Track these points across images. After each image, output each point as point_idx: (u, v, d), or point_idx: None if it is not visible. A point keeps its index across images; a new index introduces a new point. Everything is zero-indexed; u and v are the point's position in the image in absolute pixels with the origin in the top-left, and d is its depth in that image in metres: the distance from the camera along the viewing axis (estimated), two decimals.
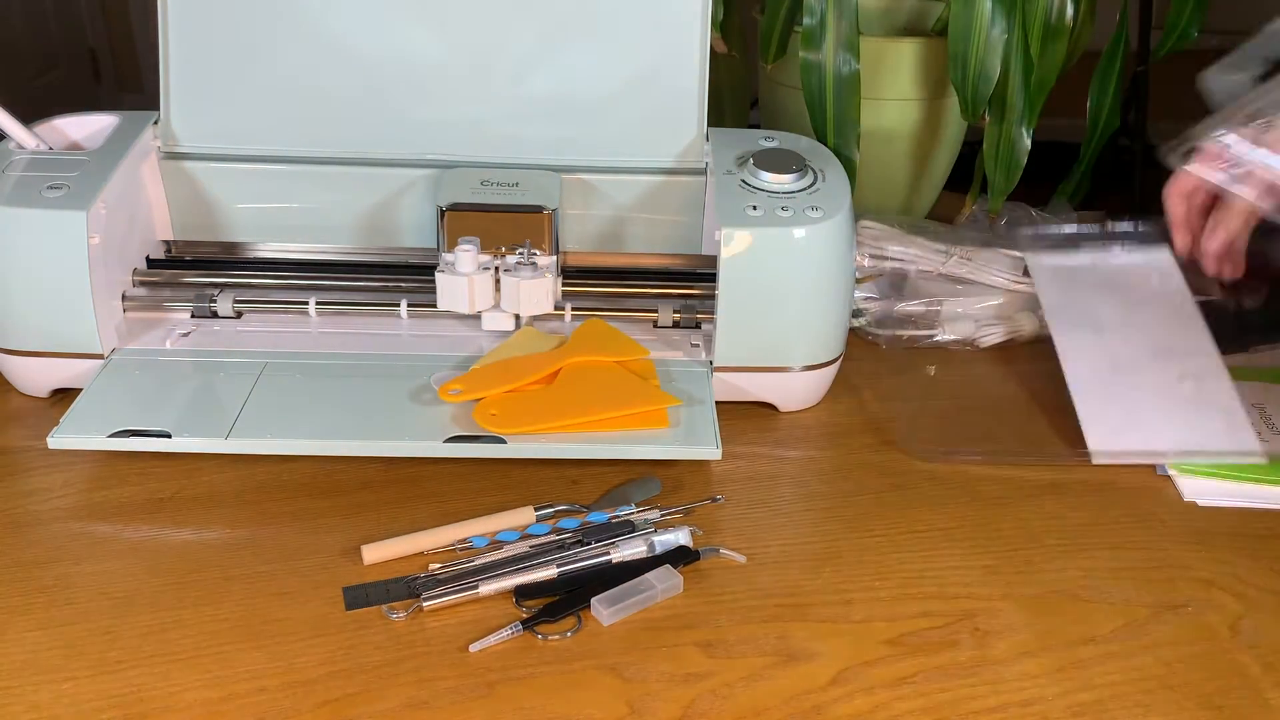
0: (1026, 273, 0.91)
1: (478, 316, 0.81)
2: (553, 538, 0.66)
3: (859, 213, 0.93)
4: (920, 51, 0.97)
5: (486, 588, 0.62)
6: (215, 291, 0.83)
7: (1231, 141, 0.68)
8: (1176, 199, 0.75)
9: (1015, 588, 0.64)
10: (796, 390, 0.80)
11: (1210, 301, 0.95)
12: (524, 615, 0.61)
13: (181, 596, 0.62)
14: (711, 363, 0.79)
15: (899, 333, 0.88)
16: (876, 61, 0.95)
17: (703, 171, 0.85)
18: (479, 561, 0.64)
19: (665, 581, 0.63)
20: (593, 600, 0.61)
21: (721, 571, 0.65)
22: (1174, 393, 0.78)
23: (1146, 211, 0.87)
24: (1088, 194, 1.07)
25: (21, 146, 0.81)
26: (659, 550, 0.65)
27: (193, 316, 0.82)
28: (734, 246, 0.75)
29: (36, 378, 0.79)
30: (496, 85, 0.85)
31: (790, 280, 0.76)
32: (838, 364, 0.80)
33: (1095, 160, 1.06)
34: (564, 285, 0.83)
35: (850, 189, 0.80)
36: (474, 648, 0.58)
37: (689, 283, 0.84)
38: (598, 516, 0.68)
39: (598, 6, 0.84)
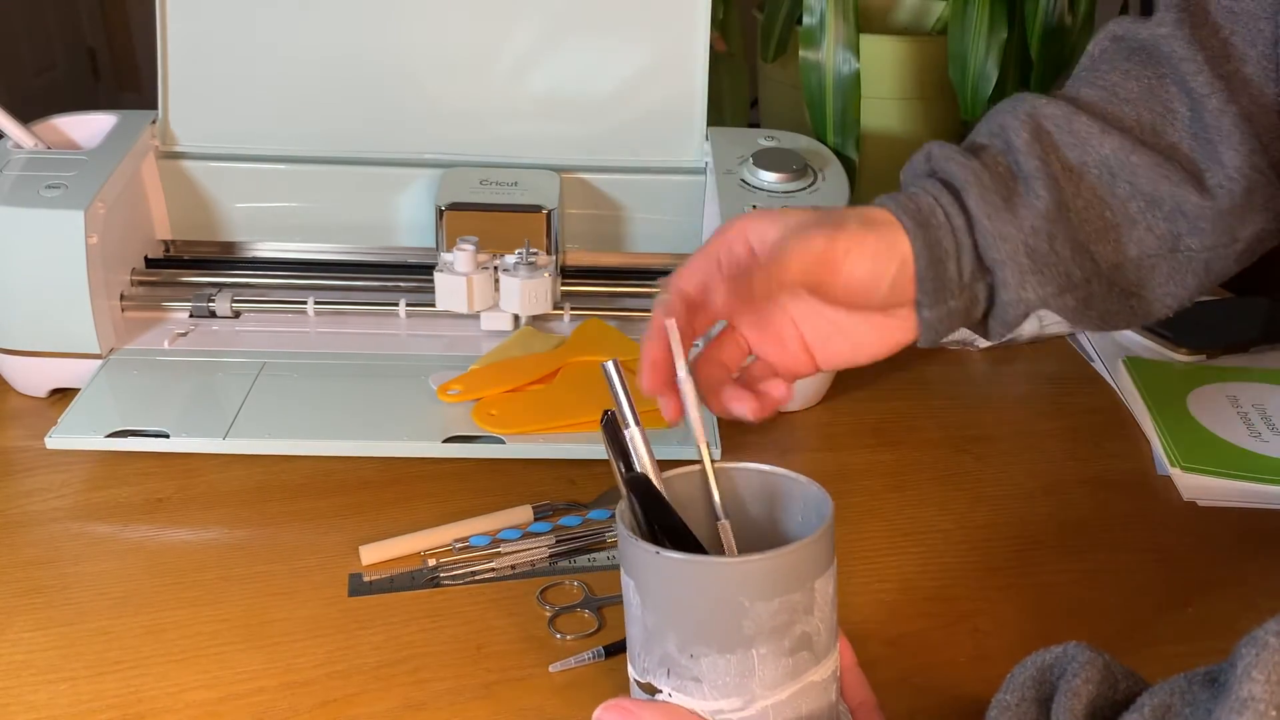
0: None
1: (476, 316, 0.81)
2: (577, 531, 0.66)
3: None
4: (920, 51, 0.97)
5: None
6: (213, 291, 0.82)
7: None
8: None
9: (1015, 588, 0.64)
10: (796, 390, 0.79)
11: (1210, 301, 0.95)
12: (548, 613, 0.61)
13: (180, 596, 0.62)
14: None
15: None
16: (876, 61, 0.95)
17: (703, 171, 0.85)
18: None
19: None
20: None
21: None
22: None
23: None
24: None
25: (19, 145, 0.81)
26: None
27: (191, 316, 0.82)
28: None
29: (35, 377, 0.79)
30: (496, 84, 0.85)
31: None
32: None
33: None
34: (563, 285, 0.83)
35: (850, 189, 0.80)
36: (554, 668, 0.58)
37: None
38: (599, 514, 0.68)
39: (597, 6, 0.84)
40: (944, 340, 0.57)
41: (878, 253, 0.53)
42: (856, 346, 0.57)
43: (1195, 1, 0.58)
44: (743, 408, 0.55)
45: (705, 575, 0.45)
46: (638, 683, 0.48)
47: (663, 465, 0.52)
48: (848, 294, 0.53)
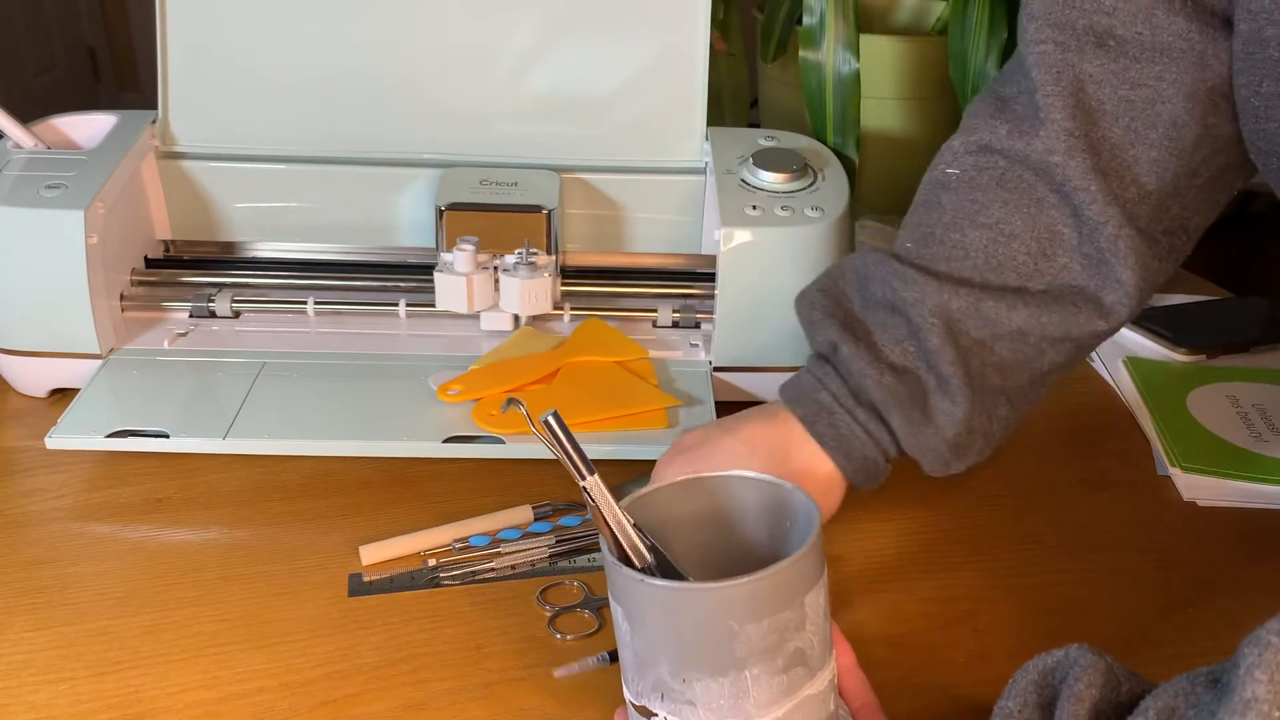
0: None
1: (476, 316, 0.81)
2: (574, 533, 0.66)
3: (859, 213, 0.93)
4: (920, 51, 0.97)
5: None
6: (213, 291, 0.82)
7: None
8: None
9: (1015, 588, 0.64)
10: None
11: (1210, 301, 0.95)
12: (548, 613, 0.61)
13: (179, 597, 0.62)
14: (711, 363, 0.79)
15: None
16: (876, 61, 0.95)
17: (703, 171, 0.85)
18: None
19: None
20: None
21: None
22: None
23: None
24: None
25: (20, 146, 0.81)
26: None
27: (191, 316, 0.82)
28: (733, 246, 0.75)
29: (35, 378, 0.79)
30: (496, 85, 0.85)
31: (790, 280, 0.76)
32: None
33: None
34: (563, 285, 0.83)
35: (850, 189, 0.80)
36: (559, 673, 0.57)
37: (688, 282, 0.84)
38: None
39: (597, 6, 0.84)
40: None
41: (822, 509, 0.59)
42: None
43: (1085, 112, 0.58)
44: None
45: (692, 601, 0.44)
46: (633, 705, 0.48)
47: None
48: None
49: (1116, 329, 0.60)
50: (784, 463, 0.61)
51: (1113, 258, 0.58)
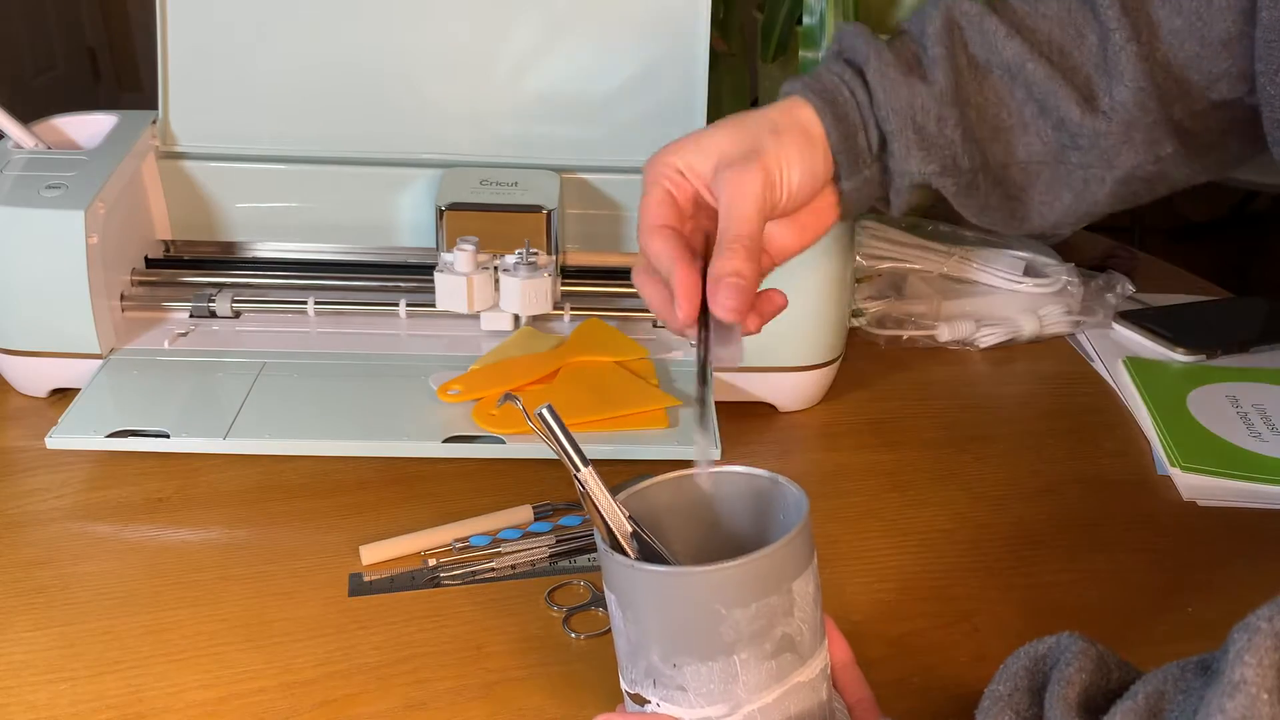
0: (1027, 272, 0.91)
1: (476, 316, 0.81)
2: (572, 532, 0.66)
3: None
4: None
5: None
6: (214, 291, 0.82)
7: None
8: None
9: (1015, 588, 0.64)
10: (796, 390, 0.80)
11: (1210, 301, 0.95)
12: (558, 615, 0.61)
13: (180, 597, 0.62)
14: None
15: (899, 333, 0.88)
16: None
17: None
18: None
19: None
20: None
21: None
22: None
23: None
24: None
25: (20, 145, 0.81)
26: None
27: (191, 316, 0.82)
28: None
29: (35, 378, 0.79)
30: (496, 85, 0.85)
31: (789, 280, 0.75)
32: (837, 364, 0.80)
33: None
34: (563, 285, 0.83)
35: None
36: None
37: None
38: None
39: (597, 6, 0.84)
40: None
41: (802, 153, 0.57)
42: (802, 233, 0.61)
43: None
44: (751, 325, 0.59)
45: (680, 585, 0.45)
46: (628, 694, 0.48)
47: (666, 465, 0.52)
48: (794, 201, 0.58)
49: (1093, 139, 0.58)
50: (769, 109, 0.59)
51: (1114, 69, 0.57)
